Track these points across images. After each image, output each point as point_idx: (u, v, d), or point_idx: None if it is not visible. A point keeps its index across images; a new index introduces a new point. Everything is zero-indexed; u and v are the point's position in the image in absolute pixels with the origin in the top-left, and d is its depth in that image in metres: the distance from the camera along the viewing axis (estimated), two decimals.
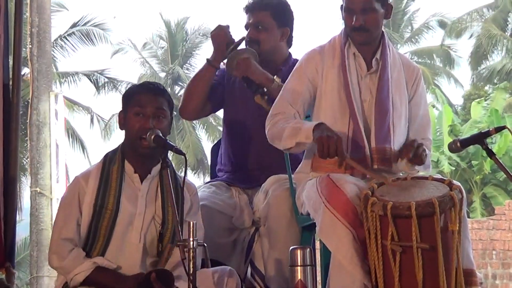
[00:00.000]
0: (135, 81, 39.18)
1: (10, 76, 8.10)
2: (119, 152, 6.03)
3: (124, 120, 6.02)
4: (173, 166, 6.10)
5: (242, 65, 6.68)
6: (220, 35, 6.89)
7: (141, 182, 5.97)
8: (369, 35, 6.21)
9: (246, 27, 6.96)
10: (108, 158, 6.04)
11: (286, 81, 6.33)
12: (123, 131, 6.09)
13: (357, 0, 6.12)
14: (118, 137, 35.47)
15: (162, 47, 43.27)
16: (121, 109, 6.08)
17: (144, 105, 5.94)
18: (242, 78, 6.68)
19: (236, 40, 6.88)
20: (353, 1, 6.12)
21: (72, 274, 5.80)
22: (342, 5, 6.21)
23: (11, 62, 8.19)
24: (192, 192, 6.16)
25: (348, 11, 6.14)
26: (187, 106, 7.00)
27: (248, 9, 7.00)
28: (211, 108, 7.12)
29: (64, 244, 5.87)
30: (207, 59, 6.94)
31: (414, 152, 5.99)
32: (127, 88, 6.61)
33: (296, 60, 6.65)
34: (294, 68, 6.37)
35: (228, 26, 6.94)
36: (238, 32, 7.01)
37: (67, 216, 5.95)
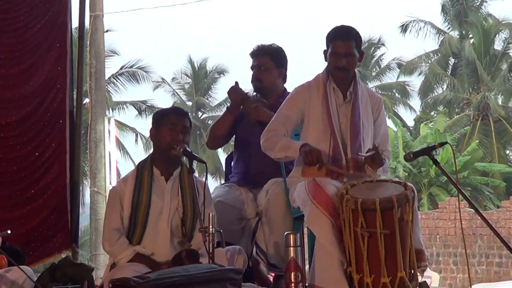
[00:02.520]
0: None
1: (75, 104, 8.11)
2: (149, 161, 6.15)
3: (156, 134, 6.14)
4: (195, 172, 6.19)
5: (254, 112, 6.77)
6: (234, 93, 6.96)
7: (166, 182, 6.10)
8: (348, 74, 6.27)
9: (252, 68, 6.99)
10: (141, 166, 6.18)
11: (280, 106, 6.35)
12: (152, 142, 6.29)
13: (342, 47, 6.18)
14: None
15: (188, 82, 43.20)
16: (152, 125, 6.19)
17: (175, 123, 6.08)
18: (256, 121, 6.74)
19: (246, 91, 7.01)
20: (339, 47, 6.18)
21: (118, 258, 5.97)
22: (326, 50, 6.26)
23: (75, 94, 8.19)
24: (204, 187, 6.23)
25: (333, 54, 6.18)
26: (213, 145, 7.34)
27: (253, 54, 7.04)
28: (228, 138, 7.20)
29: (113, 233, 6.05)
30: (227, 108, 7.05)
31: (376, 155, 6.02)
32: (157, 111, 6.67)
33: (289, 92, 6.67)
34: (287, 98, 6.41)
35: (237, 83, 7.03)
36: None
37: (113, 213, 6.11)
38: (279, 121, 6.29)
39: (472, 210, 7.43)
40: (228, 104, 7.17)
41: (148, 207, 6.02)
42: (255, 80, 6.98)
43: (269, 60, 7.00)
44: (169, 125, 6.09)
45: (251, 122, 6.83)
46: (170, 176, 6.09)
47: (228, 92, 7.02)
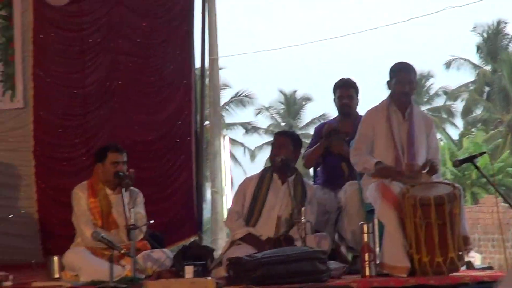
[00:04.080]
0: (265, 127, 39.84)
1: (198, 126, 8.21)
2: (271, 168, 6.32)
3: (271, 151, 6.35)
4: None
5: (337, 147, 6.82)
6: (327, 131, 6.95)
7: (282, 184, 6.21)
8: (408, 98, 6.27)
9: (340, 98, 7.06)
10: (265, 170, 6.40)
11: (358, 128, 6.40)
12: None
13: (405, 77, 6.23)
14: (259, 159, 35.93)
15: (282, 108, 43.24)
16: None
17: (277, 142, 6.31)
18: (338, 153, 6.80)
19: (333, 127, 7.03)
20: (403, 77, 6.22)
21: (234, 233, 6.11)
22: (390, 81, 6.29)
23: (198, 118, 8.29)
24: (312, 190, 6.37)
25: (399, 83, 6.20)
26: (308, 166, 7.29)
27: (341, 86, 7.11)
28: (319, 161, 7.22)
29: (234, 214, 6.24)
30: (320, 143, 6.98)
31: (430, 166, 6.03)
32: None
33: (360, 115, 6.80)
34: (362, 120, 6.43)
35: (330, 126, 7.05)
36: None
37: (238, 200, 6.28)
38: (361, 140, 6.30)
39: (506, 204, 7.35)
40: (312, 125, 7.21)
41: (264, 201, 6.14)
42: (346, 107, 7.05)
43: (353, 91, 7.08)
44: (275, 143, 6.36)
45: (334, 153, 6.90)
46: (286, 180, 6.15)
47: (324, 130, 7.02)
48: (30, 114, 7.80)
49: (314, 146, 7.05)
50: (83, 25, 7.90)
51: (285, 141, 6.33)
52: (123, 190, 5.99)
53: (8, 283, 5.64)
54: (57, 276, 5.97)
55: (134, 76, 8.00)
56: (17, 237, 7.62)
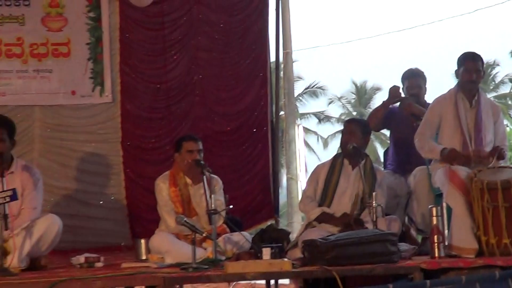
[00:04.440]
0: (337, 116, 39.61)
1: (274, 116, 8.21)
2: (342, 154, 6.28)
3: (341, 138, 6.32)
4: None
5: (407, 107, 6.75)
6: (395, 90, 6.90)
7: (352, 169, 6.16)
8: (475, 86, 6.17)
9: (409, 88, 6.99)
10: (336, 156, 6.33)
11: (425, 114, 6.31)
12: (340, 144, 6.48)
13: (472, 65, 6.11)
14: (332, 147, 35.76)
15: (353, 98, 42.91)
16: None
17: (347, 129, 6.27)
18: (410, 114, 6.72)
19: (402, 96, 6.96)
20: (470, 66, 6.11)
21: (308, 214, 6.11)
22: (457, 69, 6.17)
23: (274, 109, 8.29)
24: (382, 175, 6.29)
25: (466, 71, 6.08)
26: (372, 127, 6.91)
27: (409, 76, 7.07)
28: (381, 127, 7.15)
29: (307, 199, 6.22)
30: (383, 102, 6.98)
31: (498, 152, 5.88)
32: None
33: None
34: (429, 107, 6.35)
35: (399, 87, 6.95)
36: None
37: (310, 185, 6.27)
38: (425, 126, 6.21)
39: None
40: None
41: (335, 186, 6.12)
42: (415, 96, 6.94)
43: (421, 80, 7.01)
44: (345, 130, 6.31)
45: (405, 115, 6.79)
46: (356, 165, 6.07)
47: (390, 89, 6.96)
48: (118, 107, 7.91)
49: (377, 106, 7.04)
50: (165, 24, 7.98)
51: (354, 128, 6.26)
52: (204, 177, 6.01)
53: (100, 264, 5.75)
54: (144, 257, 6.05)
55: (213, 71, 8.07)
56: (108, 221, 7.76)
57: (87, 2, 7.86)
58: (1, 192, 5.23)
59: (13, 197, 5.24)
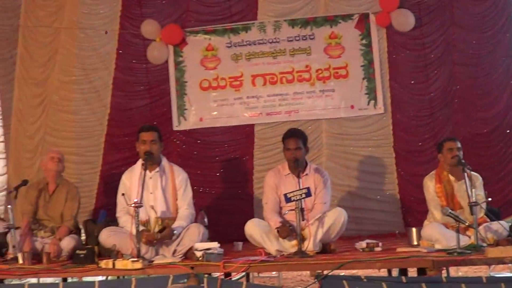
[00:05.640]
0: None
1: None
2: None
3: None
4: None
5: None
6: None
7: None
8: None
9: None
10: None
11: None
12: None
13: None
14: None
15: None
16: None
17: None
18: None
19: None
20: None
21: None
22: None
23: None
24: None
25: None
26: None
27: None
28: None
29: None
30: None
31: None
32: None
33: None
34: None
35: None
36: None
37: None
38: None
39: None
40: None
41: None
42: None
43: None
44: None
45: None
46: None
47: None
48: (389, 117, 7.99)
49: None
50: (425, 45, 7.95)
51: None
52: (465, 174, 5.91)
53: (379, 249, 5.79)
54: (415, 243, 6.05)
55: (468, 82, 7.91)
56: (384, 213, 7.84)
57: (359, 32, 8.03)
58: (298, 190, 5.49)
59: (308, 194, 5.47)
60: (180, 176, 5.94)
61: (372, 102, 7.98)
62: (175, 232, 5.65)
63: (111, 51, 8.34)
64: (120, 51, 8.35)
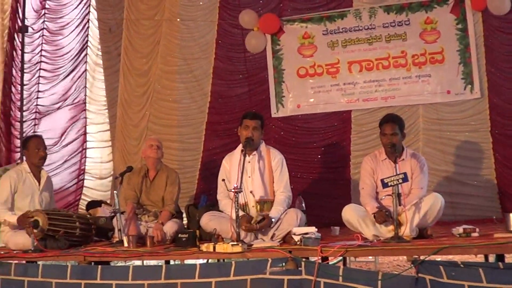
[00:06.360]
0: None
1: None
2: None
3: None
4: None
5: None
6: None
7: None
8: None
9: None
10: None
11: None
12: None
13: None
14: None
15: None
16: None
17: None
18: None
19: None
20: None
21: None
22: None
23: None
24: None
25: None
26: None
27: None
28: None
29: None
30: None
31: None
32: None
33: None
34: None
35: None
36: None
37: None
38: None
39: None
40: None
41: None
42: None
43: None
44: None
45: None
46: None
47: None
48: (485, 102, 7.86)
49: None
50: None
51: None
52: None
53: (476, 234, 5.69)
54: None
55: None
56: (481, 198, 7.72)
57: (455, 16, 7.94)
58: (395, 175, 5.50)
59: (404, 179, 5.45)
60: (276, 158, 6.08)
61: (469, 87, 7.89)
62: (273, 220, 5.81)
63: (211, 41, 8.62)
64: (220, 41, 8.60)
